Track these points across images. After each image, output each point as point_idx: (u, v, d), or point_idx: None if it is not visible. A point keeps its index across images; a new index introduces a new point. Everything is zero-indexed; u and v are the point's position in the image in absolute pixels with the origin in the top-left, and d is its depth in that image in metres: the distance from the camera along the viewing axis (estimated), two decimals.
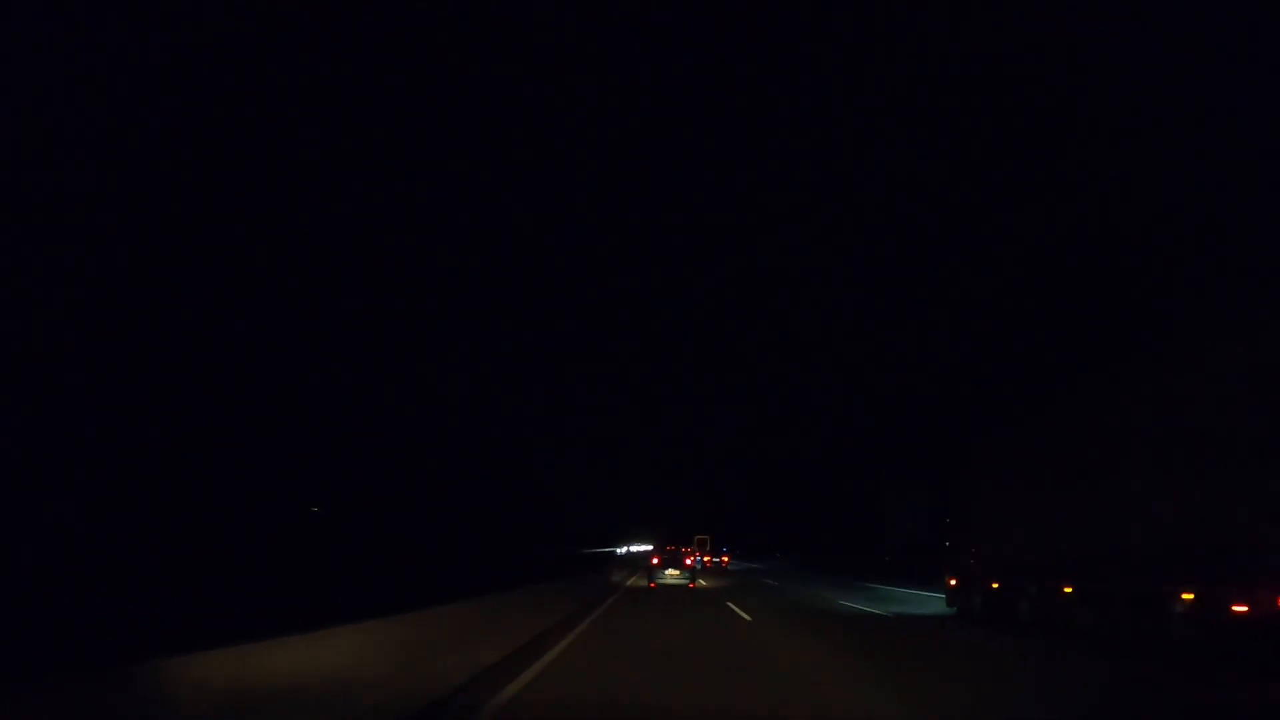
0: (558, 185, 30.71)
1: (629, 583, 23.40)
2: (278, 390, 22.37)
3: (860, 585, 23.07)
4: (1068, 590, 9.49)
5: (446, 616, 6.31)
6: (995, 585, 11.43)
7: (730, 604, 14.86)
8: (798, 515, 63.58)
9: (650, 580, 21.98)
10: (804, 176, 29.57)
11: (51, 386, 12.85)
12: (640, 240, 35.55)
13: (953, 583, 13.04)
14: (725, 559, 47.25)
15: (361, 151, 21.92)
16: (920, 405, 33.86)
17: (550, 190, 30.13)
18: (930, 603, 15.64)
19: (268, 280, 20.62)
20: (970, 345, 28.34)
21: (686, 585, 21.00)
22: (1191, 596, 7.36)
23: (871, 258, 32.93)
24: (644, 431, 54.32)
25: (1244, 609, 6.64)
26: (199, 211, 16.90)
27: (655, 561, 23.16)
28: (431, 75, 19.21)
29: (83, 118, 12.81)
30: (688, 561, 22.64)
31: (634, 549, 43.53)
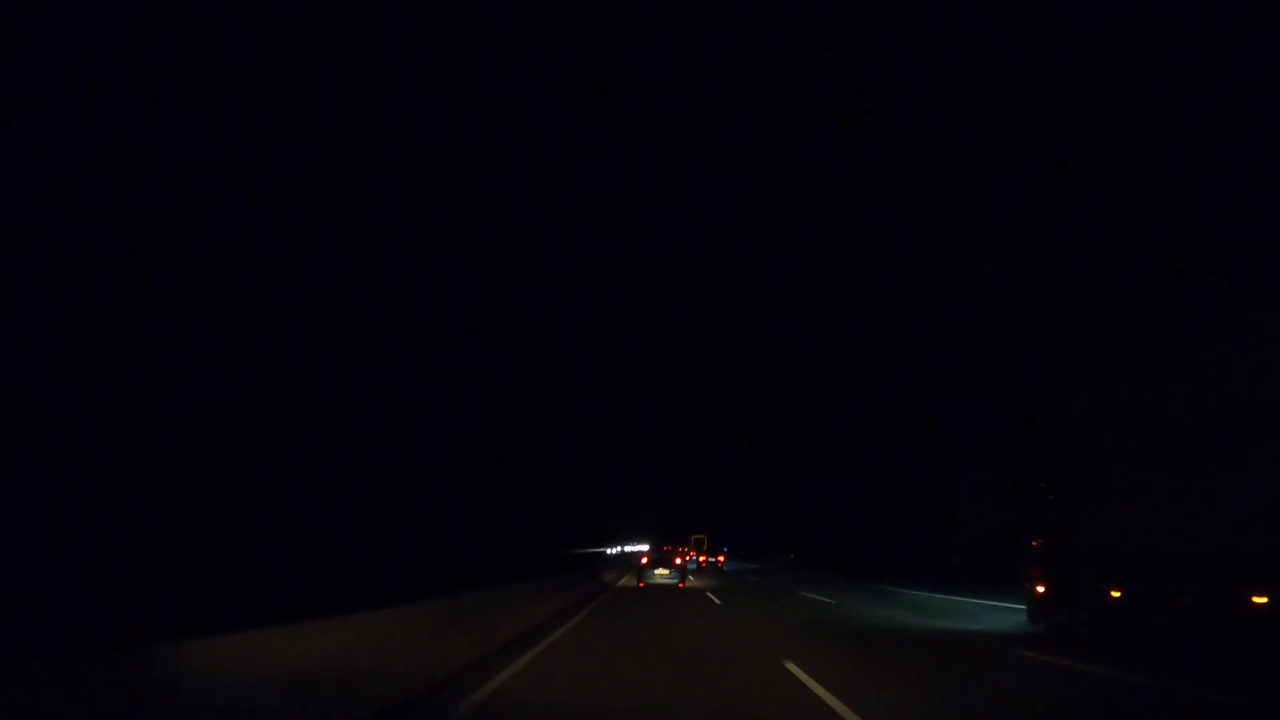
0: (554, 175, 29.21)
1: (619, 583, 23.25)
2: (276, 390, 22.09)
3: (904, 592, 19.45)
4: (1260, 600, 6.30)
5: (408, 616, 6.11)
6: (1116, 593, 8.20)
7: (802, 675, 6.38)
8: (812, 512, 59.56)
9: (640, 580, 22.01)
10: (808, 156, 27.59)
11: (64, 382, 13.76)
12: (638, 228, 33.26)
13: (1040, 590, 9.74)
14: (721, 559, 45.34)
15: (358, 144, 21.62)
16: (985, 358, 29.87)
17: (545, 179, 28.71)
18: (1001, 617, 12.18)
19: (269, 273, 20.56)
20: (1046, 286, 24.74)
21: (676, 585, 21.10)
22: None
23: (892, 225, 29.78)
24: (644, 427, 51.06)
25: None
26: (213, 207, 17.70)
27: (645, 561, 23.52)
28: (421, 67, 19.32)
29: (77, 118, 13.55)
30: (677, 561, 23.05)
31: (629, 549, 40.45)
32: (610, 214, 33.10)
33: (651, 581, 21.73)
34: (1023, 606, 10.41)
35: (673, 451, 57.60)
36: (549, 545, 36.39)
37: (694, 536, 43.92)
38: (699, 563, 43.23)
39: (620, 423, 49.85)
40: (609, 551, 44.25)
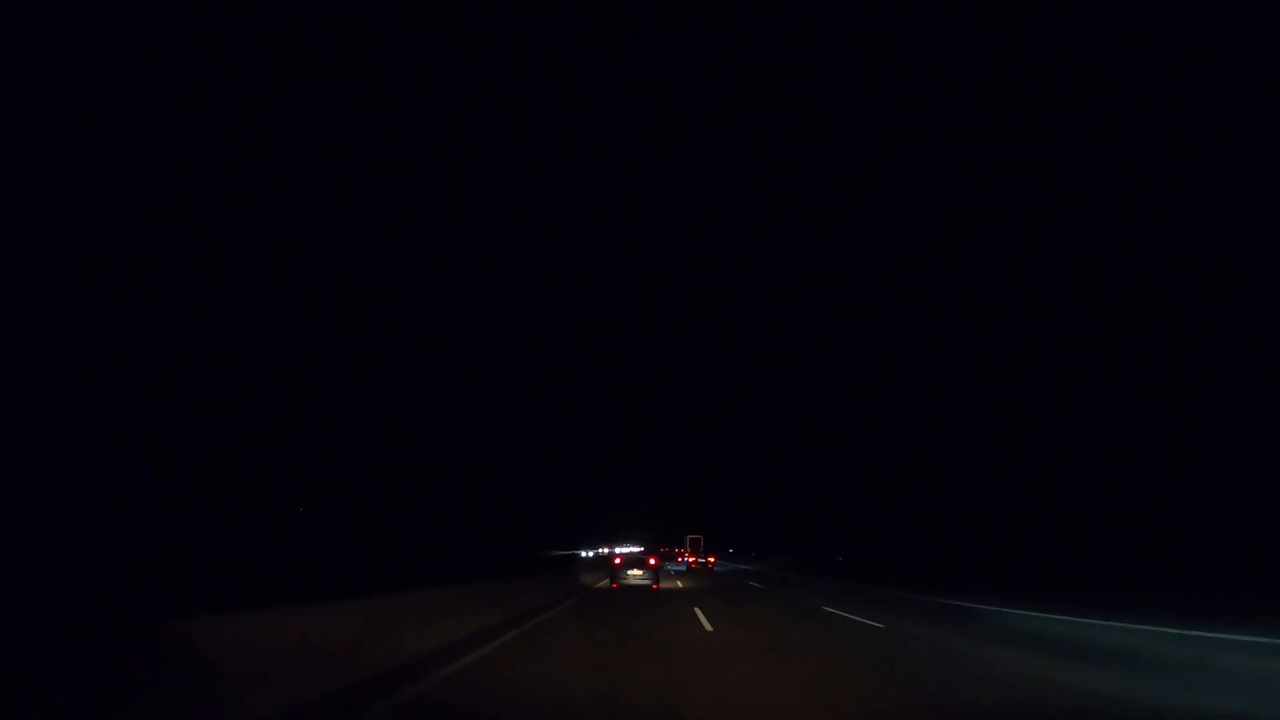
0: (547, 170, 28.94)
1: (598, 585, 23.33)
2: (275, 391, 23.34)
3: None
4: None
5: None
6: None
7: None
8: (817, 511, 55.65)
9: (613, 581, 22.38)
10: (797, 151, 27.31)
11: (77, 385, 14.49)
12: (636, 226, 32.36)
13: None
14: (711, 560, 42.62)
15: (345, 140, 22.21)
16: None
17: (539, 174, 28.53)
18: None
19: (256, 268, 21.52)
20: None
21: (650, 586, 21.18)
22: None
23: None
24: (638, 418, 48.48)
25: None
26: (214, 205, 18.63)
27: (618, 562, 23.52)
28: (417, 64, 19.93)
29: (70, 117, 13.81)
30: (651, 561, 22.96)
31: (620, 550, 37.81)
32: (606, 211, 31.80)
33: (625, 582, 22.00)
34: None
35: (671, 449, 55.16)
36: (525, 545, 34.14)
37: (690, 537, 41.55)
38: (688, 564, 40.39)
39: (618, 421, 47.61)
40: (584, 554, 40.34)
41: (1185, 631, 8.97)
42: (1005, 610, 12.84)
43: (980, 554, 26.66)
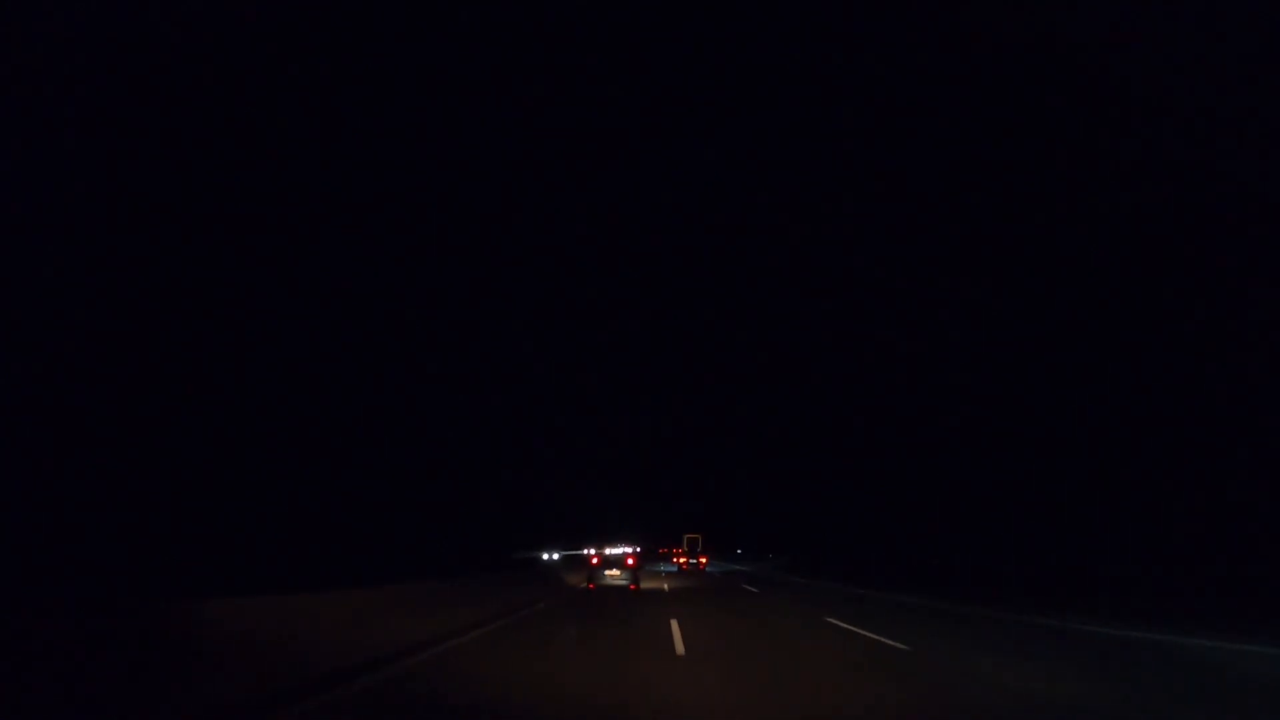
0: (538, 171, 29.10)
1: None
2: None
3: None
4: None
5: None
6: None
7: None
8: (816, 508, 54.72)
9: (589, 581, 21.56)
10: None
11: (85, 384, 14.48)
12: (635, 227, 32.34)
13: None
14: (703, 560, 41.09)
15: (345, 139, 22.09)
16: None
17: (530, 175, 28.65)
18: None
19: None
20: None
21: (628, 587, 20.40)
22: None
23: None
24: (639, 419, 47.83)
25: None
26: (204, 205, 18.28)
27: (595, 561, 22.47)
28: (412, 60, 20.00)
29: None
30: (629, 562, 22.23)
31: (610, 552, 36.79)
32: (602, 208, 31.50)
33: (601, 583, 21.07)
34: None
35: (672, 449, 54.69)
36: (520, 546, 33.11)
37: (687, 537, 41.11)
38: (680, 565, 39.46)
39: (619, 422, 47.14)
40: (545, 557, 34.45)
41: None
42: None
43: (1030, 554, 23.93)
